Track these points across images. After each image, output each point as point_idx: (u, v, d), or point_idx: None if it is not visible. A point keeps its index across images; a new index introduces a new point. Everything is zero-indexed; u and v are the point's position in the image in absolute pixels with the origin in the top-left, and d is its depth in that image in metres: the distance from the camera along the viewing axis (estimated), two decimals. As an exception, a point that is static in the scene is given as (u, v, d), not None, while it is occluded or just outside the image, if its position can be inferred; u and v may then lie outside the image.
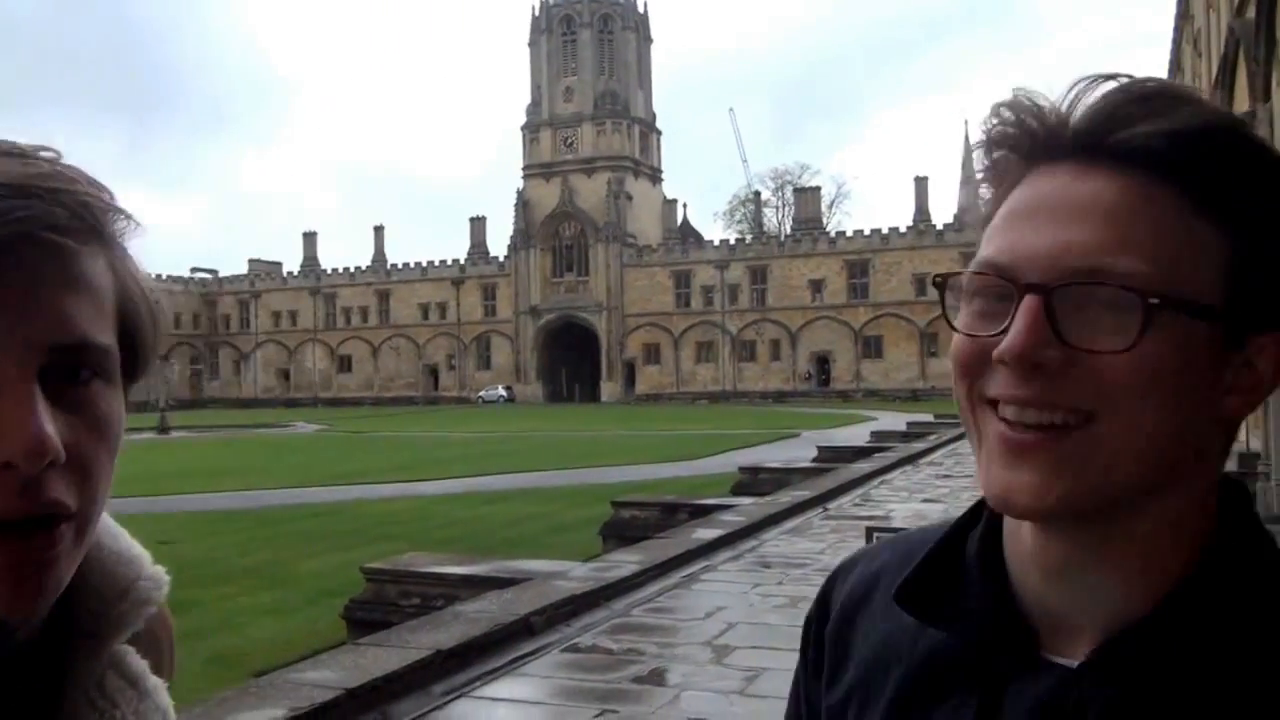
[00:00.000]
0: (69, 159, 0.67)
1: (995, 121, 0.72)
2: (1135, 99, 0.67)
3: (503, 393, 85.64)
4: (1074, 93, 0.69)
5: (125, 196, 0.70)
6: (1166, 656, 0.65)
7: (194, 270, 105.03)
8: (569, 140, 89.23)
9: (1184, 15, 27.93)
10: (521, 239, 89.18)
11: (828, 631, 0.87)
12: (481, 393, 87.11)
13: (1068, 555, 0.69)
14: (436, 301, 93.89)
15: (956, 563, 0.76)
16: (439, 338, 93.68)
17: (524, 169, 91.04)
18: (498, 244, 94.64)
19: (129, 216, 0.69)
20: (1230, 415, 0.68)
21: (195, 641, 10.63)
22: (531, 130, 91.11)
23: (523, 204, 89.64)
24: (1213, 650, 0.65)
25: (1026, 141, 0.70)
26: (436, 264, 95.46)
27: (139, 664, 0.76)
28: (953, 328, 0.72)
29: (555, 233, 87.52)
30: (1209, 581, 0.67)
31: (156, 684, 0.77)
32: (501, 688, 6.40)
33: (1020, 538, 0.73)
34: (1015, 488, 0.66)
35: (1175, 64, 32.35)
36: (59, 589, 0.66)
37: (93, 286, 0.65)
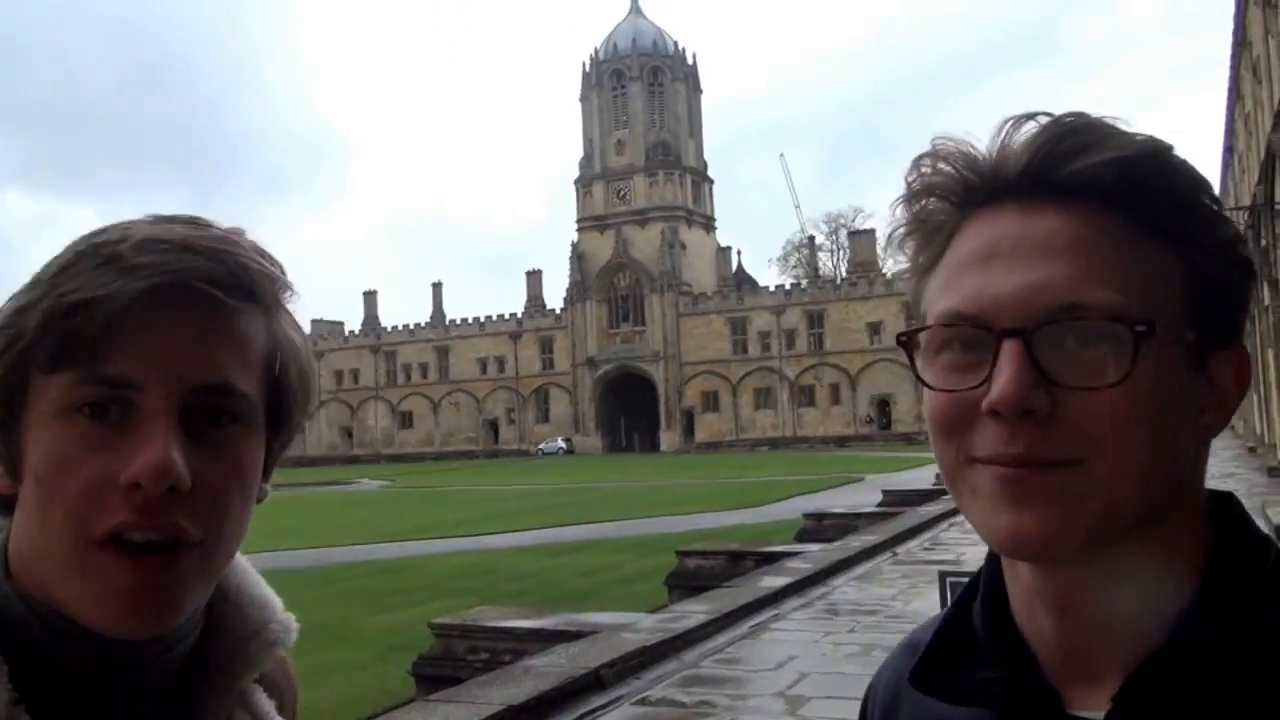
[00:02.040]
0: (238, 227, 0.76)
1: (921, 172, 0.71)
2: (1069, 133, 0.66)
3: (562, 444, 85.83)
4: (1003, 135, 0.68)
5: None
6: (1187, 689, 0.62)
7: (307, 338, 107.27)
8: (622, 192, 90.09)
9: (1241, 43, 27.54)
10: (577, 291, 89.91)
11: None
12: (541, 445, 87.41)
13: (1064, 596, 0.67)
14: (495, 356, 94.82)
15: (968, 636, 0.74)
16: (498, 391, 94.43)
17: (578, 221, 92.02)
18: (554, 297, 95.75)
19: (289, 285, 0.77)
20: (1207, 433, 0.68)
21: (267, 700, 10.70)
22: (584, 184, 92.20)
23: (577, 256, 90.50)
24: (1235, 670, 0.62)
25: (961, 188, 0.69)
26: (494, 318, 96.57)
27: (266, 704, 0.81)
28: (925, 385, 0.68)
29: (610, 284, 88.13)
30: (1218, 601, 0.64)
31: None
32: (574, 743, 6.33)
33: (1023, 590, 0.70)
34: (1024, 528, 0.64)
35: (1235, 91, 31.87)
36: (180, 614, 0.71)
37: (242, 340, 0.72)
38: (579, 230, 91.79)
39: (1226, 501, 0.70)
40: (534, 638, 9.07)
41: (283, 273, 0.77)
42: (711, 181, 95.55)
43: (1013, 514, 0.64)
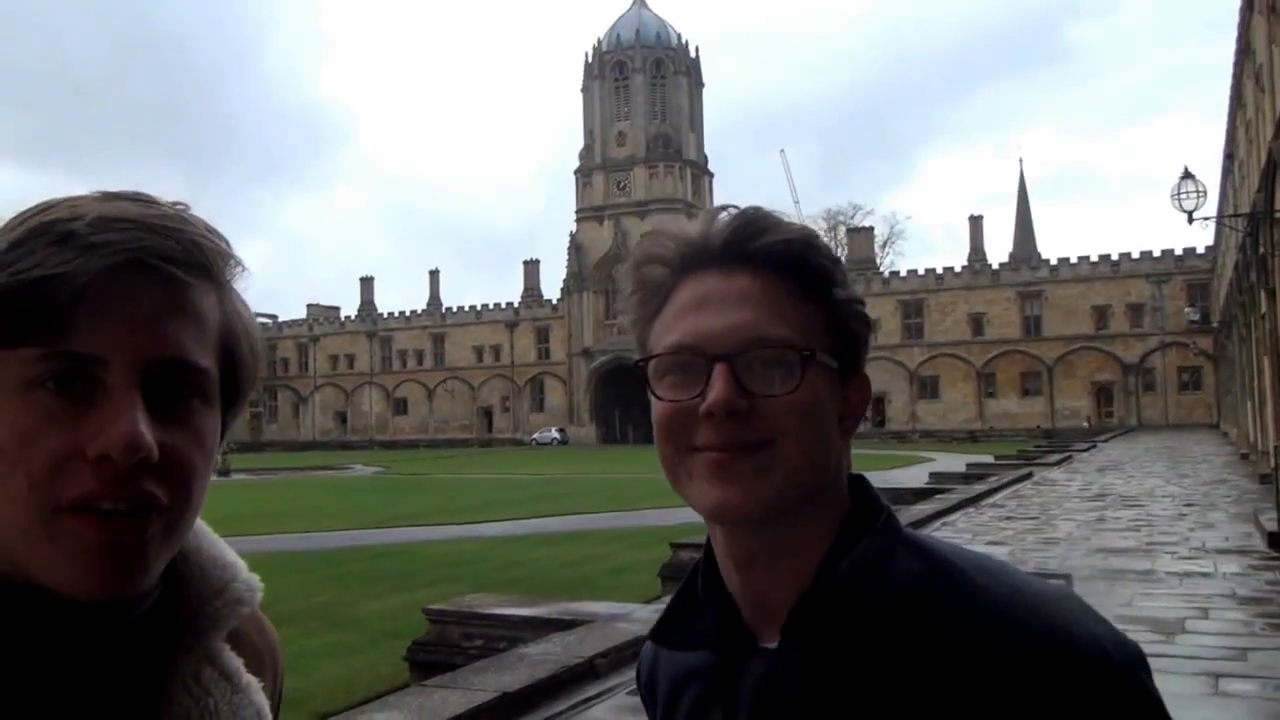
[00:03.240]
0: (181, 203, 0.79)
1: (646, 246, 0.95)
2: (751, 221, 0.91)
3: (556, 435, 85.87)
4: (709, 220, 0.92)
5: None
6: (820, 619, 0.85)
7: (255, 315, 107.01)
8: (621, 184, 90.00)
9: (1244, 51, 27.57)
10: (574, 282, 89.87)
11: (644, 694, 1.07)
12: (535, 434, 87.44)
13: (750, 552, 0.90)
14: (491, 344, 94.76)
15: (695, 597, 0.96)
16: (493, 380, 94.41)
17: (577, 212, 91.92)
18: (551, 287, 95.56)
19: (238, 262, 0.80)
20: (846, 435, 0.92)
21: (260, 682, 10.74)
22: (584, 174, 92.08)
23: (575, 247, 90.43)
24: (849, 605, 0.85)
25: (678, 258, 0.92)
26: (491, 307, 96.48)
27: (234, 661, 0.84)
28: (657, 398, 0.91)
29: (608, 275, 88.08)
30: (843, 549, 0.88)
31: (250, 682, 0.85)
32: (568, 731, 6.38)
33: (720, 555, 0.93)
34: (720, 499, 0.87)
35: (1236, 98, 31.90)
36: (149, 574, 0.74)
37: (198, 315, 0.76)
38: (578, 220, 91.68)
39: (860, 481, 0.95)
40: (528, 625, 9.13)
41: (231, 249, 0.80)
42: (712, 175, 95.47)
43: (720, 488, 0.86)
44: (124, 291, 0.71)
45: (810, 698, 0.84)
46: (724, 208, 0.94)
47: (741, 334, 0.88)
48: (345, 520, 26.19)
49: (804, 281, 0.90)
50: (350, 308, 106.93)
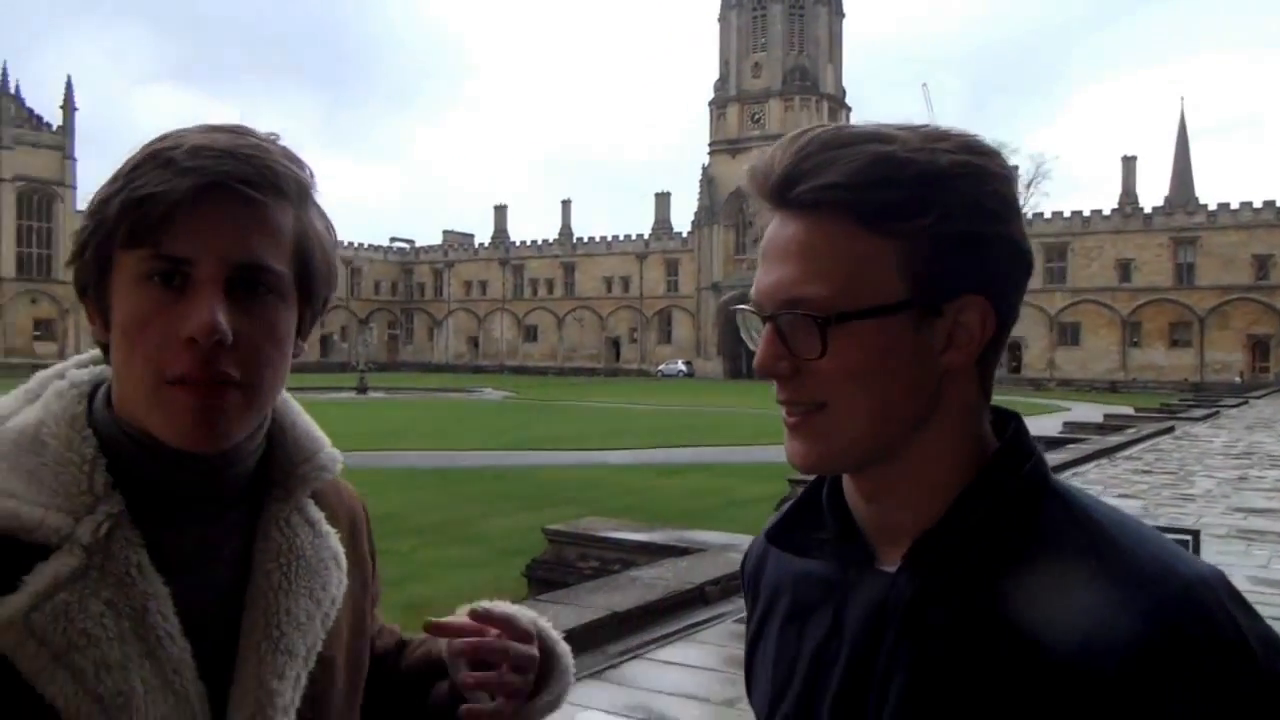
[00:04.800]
0: (274, 134, 0.95)
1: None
2: (801, 158, 0.86)
3: (682, 367, 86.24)
4: (774, 153, 0.89)
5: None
6: (948, 551, 0.85)
7: (393, 240, 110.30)
8: (756, 116, 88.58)
9: None
10: (705, 215, 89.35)
11: (746, 584, 1.10)
12: (661, 366, 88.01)
13: (869, 490, 0.91)
14: (620, 275, 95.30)
15: (817, 509, 0.97)
16: (622, 310, 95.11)
17: (710, 145, 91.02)
18: (681, 220, 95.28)
19: (310, 184, 0.96)
20: (954, 368, 0.86)
21: (388, 590, 11.12)
22: (719, 106, 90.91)
23: (707, 180, 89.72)
24: (980, 542, 0.85)
25: (759, 193, 0.90)
26: (621, 238, 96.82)
27: (317, 513, 1.05)
28: (752, 349, 0.91)
29: (739, 209, 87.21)
30: (981, 491, 0.86)
31: (329, 531, 1.05)
32: (675, 652, 6.53)
33: (847, 481, 0.94)
34: (794, 453, 0.89)
35: None
36: (231, 435, 0.92)
37: (274, 228, 0.91)
38: (710, 154, 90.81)
39: (1009, 419, 0.92)
40: (642, 550, 9.32)
41: (307, 174, 0.95)
42: (849, 109, 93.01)
43: (790, 444, 0.89)
44: (209, 208, 0.88)
45: (921, 627, 0.84)
46: (802, 132, 0.89)
47: (779, 294, 0.86)
48: (474, 441, 27.02)
49: (864, 217, 0.84)
50: (484, 235, 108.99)
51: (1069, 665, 0.78)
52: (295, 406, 1.08)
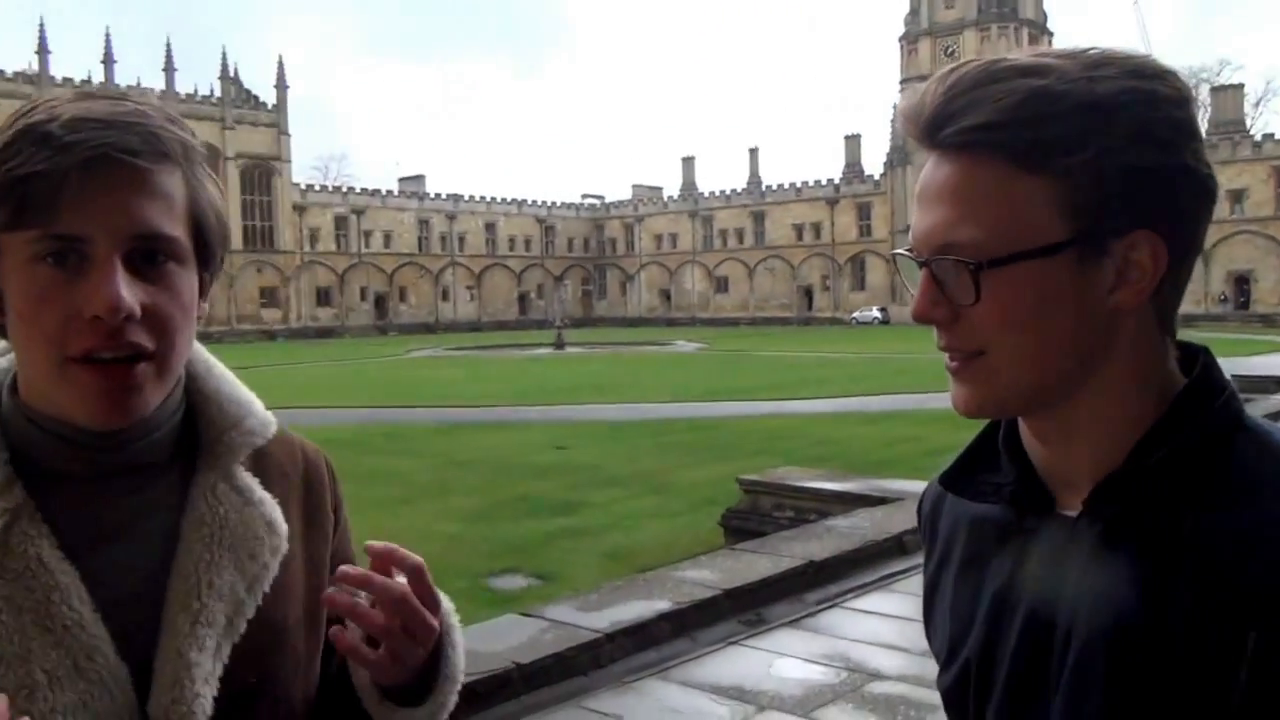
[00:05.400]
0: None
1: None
2: (951, 97, 0.83)
3: (877, 314, 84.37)
4: (929, 88, 0.85)
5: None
6: (1133, 493, 0.82)
7: (584, 196, 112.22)
8: (950, 49, 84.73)
9: None
10: (898, 156, 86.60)
11: (924, 527, 1.09)
12: (855, 314, 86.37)
13: (1044, 432, 0.89)
14: (811, 222, 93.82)
15: (992, 452, 0.95)
16: (813, 258, 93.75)
17: (901, 82, 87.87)
18: (873, 162, 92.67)
19: (194, 144, 0.95)
20: (1126, 307, 0.82)
21: (589, 538, 11.65)
22: (909, 41, 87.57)
23: (899, 119, 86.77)
24: (1166, 483, 0.81)
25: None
26: (811, 184, 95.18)
27: (248, 480, 1.03)
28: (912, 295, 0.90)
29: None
30: (1163, 434, 0.83)
31: (264, 498, 1.03)
32: (872, 601, 6.50)
33: (1024, 424, 0.92)
34: (956, 398, 0.88)
35: None
36: (144, 408, 0.93)
37: (164, 194, 0.91)
38: (902, 91, 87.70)
39: (1198, 354, 0.87)
40: (838, 500, 9.27)
41: (190, 136, 0.95)
42: (1051, 35, 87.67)
43: (953, 389, 0.88)
44: (97, 181, 0.87)
45: (1105, 571, 0.82)
46: (953, 69, 0.85)
47: (933, 239, 0.84)
48: (668, 393, 27.37)
49: (1017, 157, 0.80)
50: (673, 188, 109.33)
51: (1266, 609, 0.74)
52: (220, 371, 1.07)
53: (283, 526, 1.04)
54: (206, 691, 0.94)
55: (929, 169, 0.86)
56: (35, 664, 0.88)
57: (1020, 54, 0.85)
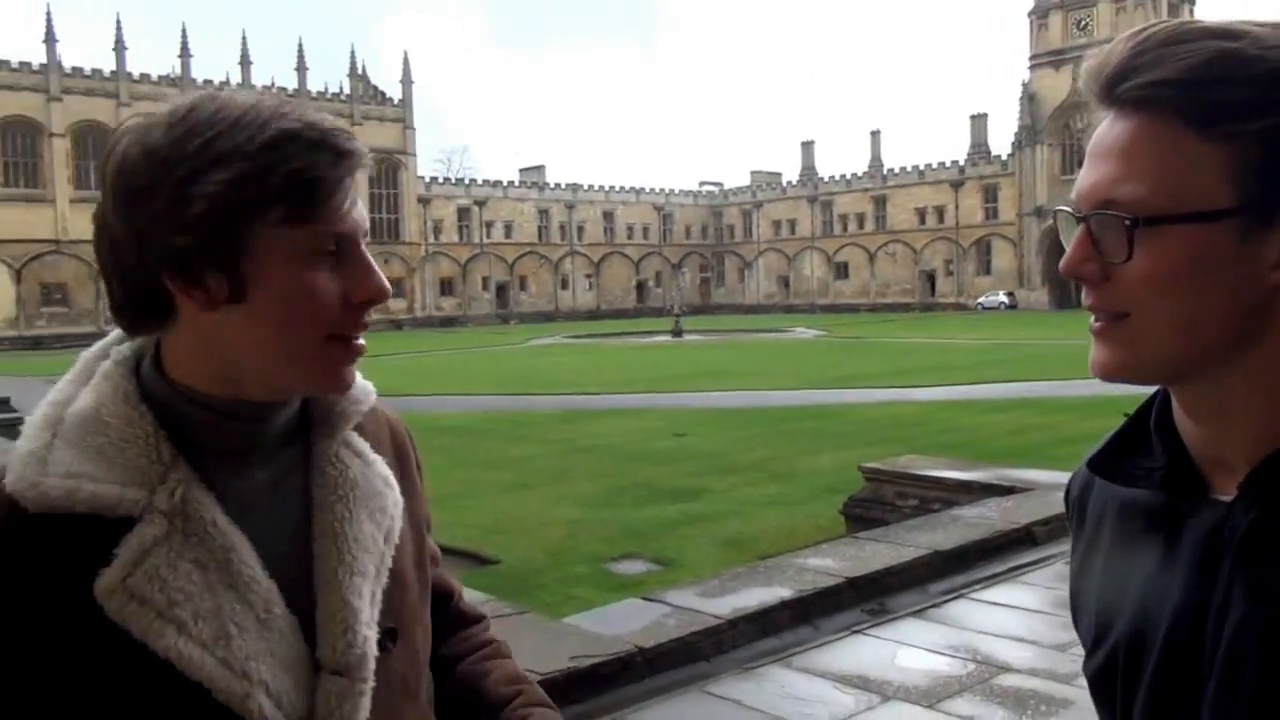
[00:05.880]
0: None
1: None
2: (1136, 53, 0.82)
3: (1004, 299, 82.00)
4: (1115, 47, 0.85)
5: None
6: None
7: (702, 184, 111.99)
8: (1083, 23, 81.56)
9: None
10: (1027, 135, 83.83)
11: (1071, 511, 1.07)
12: (981, 299, 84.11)
13: (1195, 410, 0.87)
14: (934, 205, 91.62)
15: (1143, 435, 0.93)
16: (936, 242, 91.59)
17: (1030, 59, 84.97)
18: (1000, 142, 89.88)
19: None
20: None
21: (709, 525, 11.66)
22: (1039, 15, 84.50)
23: (1028, 97, 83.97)
24: None
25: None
26: (934, 166, 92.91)
27: (362, 444, 1.15)
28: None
29: (1065, 126, 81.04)
30: None
31: (376, 459, 1.15)
32: (1000, 593, 6.35)
33: (1176, 403, 0.89)
34: (1095, 360, 0.86)
35: None
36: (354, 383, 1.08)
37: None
38: (1031, 68, 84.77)
39: None
40: (963, 489, 9.06)
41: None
42: (1193, 5, 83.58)
43: (1095, 349, 0.86)
44: (356, 186, 1.02)
45: (1262, 557, 0.80)
46: (1144, 28, 0.85)
47: (1095, 194, 0.83)
48: (788, 380, 27.18)
49: (1193, 117, 0.79)
50: (792, 173, 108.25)
51: None
52: None
53: (395, 484, 1.16)
54: (370, 635, 1.06)
55: (1103, 126, 0.85)
56: (226, 617, 0.97)
57: (1217, 20, 0.83)
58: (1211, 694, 0.82)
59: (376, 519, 1.11)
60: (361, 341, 1.05)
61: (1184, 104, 0.79)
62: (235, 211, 0.95)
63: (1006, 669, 5.06)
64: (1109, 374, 0.86)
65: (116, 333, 1.08)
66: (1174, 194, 0.79)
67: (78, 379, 1.06)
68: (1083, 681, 1.00)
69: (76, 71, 72.08)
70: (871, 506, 9.88)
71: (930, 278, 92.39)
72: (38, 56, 71.04)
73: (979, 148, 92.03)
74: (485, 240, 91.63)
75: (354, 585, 1.06)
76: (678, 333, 54.10)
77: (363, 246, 1.03)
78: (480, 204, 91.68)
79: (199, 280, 0.96)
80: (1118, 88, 0.83)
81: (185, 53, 76.11)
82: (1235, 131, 0.78)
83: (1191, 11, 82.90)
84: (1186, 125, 0.79)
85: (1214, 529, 0.84)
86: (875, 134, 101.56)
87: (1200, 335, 0.81)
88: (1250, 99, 0.77)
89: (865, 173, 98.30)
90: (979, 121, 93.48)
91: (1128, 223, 0.80)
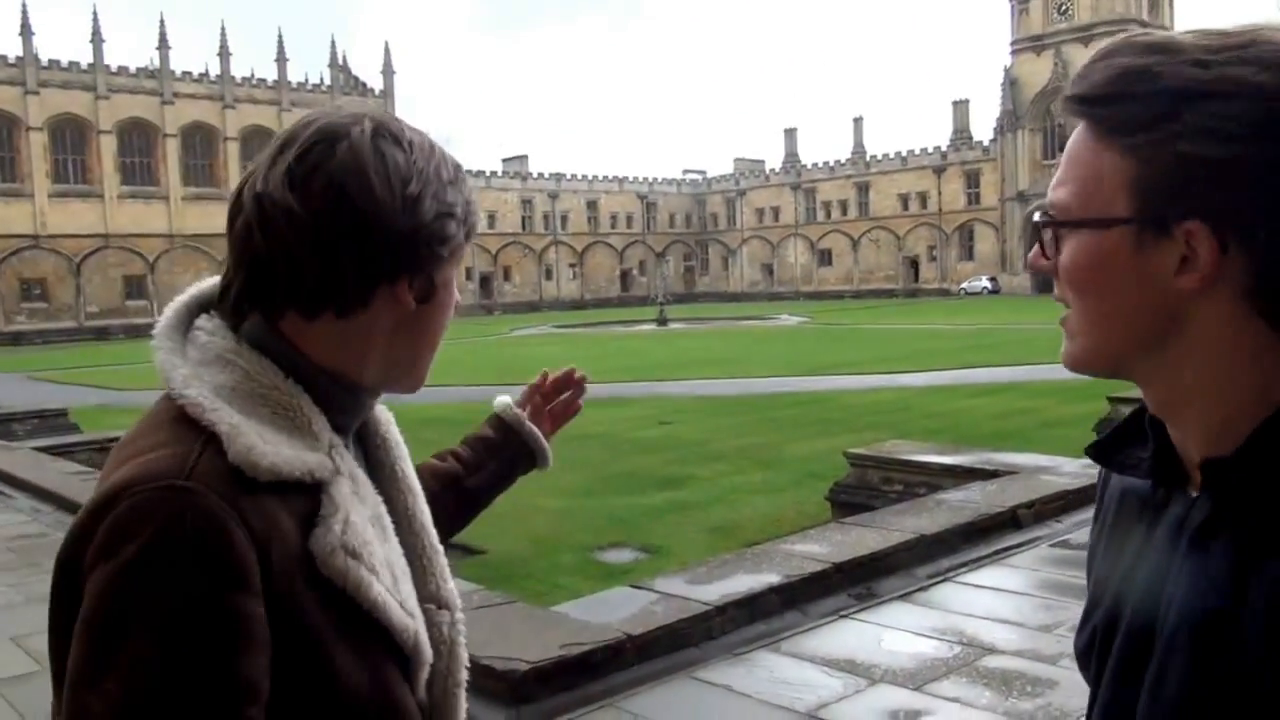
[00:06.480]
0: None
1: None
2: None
3: (986, 284, 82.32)
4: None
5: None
6: (1235, 480, 0.83)
7: (685, 172, 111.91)
8: (1063, 7, 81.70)
9: None
10: (1008, 120, 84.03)
11: (1099, 491, 1.10)
12: (964, 284, 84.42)
13: (1150, 402, 0.91)
14: (917, 191, 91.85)
15: (1143, 425, 0.95)
16: (919, 228, 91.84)
17: (1012, 44, 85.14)
18: (981, 128, 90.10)
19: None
20: (1186, 292, 0.81)
21: (696, 512, 11.70)
22: (1020, 1, 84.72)
23: (1010, 82, 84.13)
24: (1271, 475, 0.80)
25: None
26: (917, 152, 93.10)
27: (396, 433, 1.28)
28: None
29: (1046, 111, 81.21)
30: (1274, 429, 0.81)
31: (400, 439, 1.28)
32: (985, 576, 6.39)
33: None
34: (1061, 350, 0.91)
35: None
36: None
37: None
38: (1013, 53, 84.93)
39: None
40: (948, 473, 9.10)
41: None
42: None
43: (1062, 340, 0.91)
44: None
45: (1201, 556, 0.83)
46: (1107, 43, 0.89)
47: (1049, 196, 0.91)
48: (773, 368, 27.25)
49: (1098, 131, 0.85)
50: (775, 160, 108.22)
51: None
52: None
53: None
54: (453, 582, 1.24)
55: (1073, 134, 0.91)
56: (395, 563, 1.12)
57: (1171, 33, 0.86)
58: (1144, 692, 0.86)
59: (417, 492, 1.26)
60: None
61: (1098, 118, 0.86)
62: (466, 230, 1.12)
63: (992, 650, 5.10)
64: (1068, 365, 0.93)
65: (169, 317, 1.10)
66: (1087, 200, 0.86)
67: (174, 355, 1.06)
68: (1067, 662, 1.03)
69: (54, 64, 71.28)
70: (857, 492, 9.91)
71: (913, 264, 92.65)
72: (14, 49, 70.39)
73: (961, 133, 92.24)
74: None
75: (432, 531, 1.23)
76: (662, 321, 54.12)
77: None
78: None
79: (412, 282, 1.09)
80: (1071, 96, 0.89)
81: (164, 44, 75.35)
82: (1134, 144, 0.82)
83: (1170, 2, 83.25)
84: (1097, 137, 0.86)
85: (1177, 524, 0.88)
86: (858, 121, 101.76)
87: (1115, 334, 0.87)
88: (1138, 114, 0.82)
89: (848, 159, 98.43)
90: (961, 107, 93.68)
91: (1049, 225, 0.88)
